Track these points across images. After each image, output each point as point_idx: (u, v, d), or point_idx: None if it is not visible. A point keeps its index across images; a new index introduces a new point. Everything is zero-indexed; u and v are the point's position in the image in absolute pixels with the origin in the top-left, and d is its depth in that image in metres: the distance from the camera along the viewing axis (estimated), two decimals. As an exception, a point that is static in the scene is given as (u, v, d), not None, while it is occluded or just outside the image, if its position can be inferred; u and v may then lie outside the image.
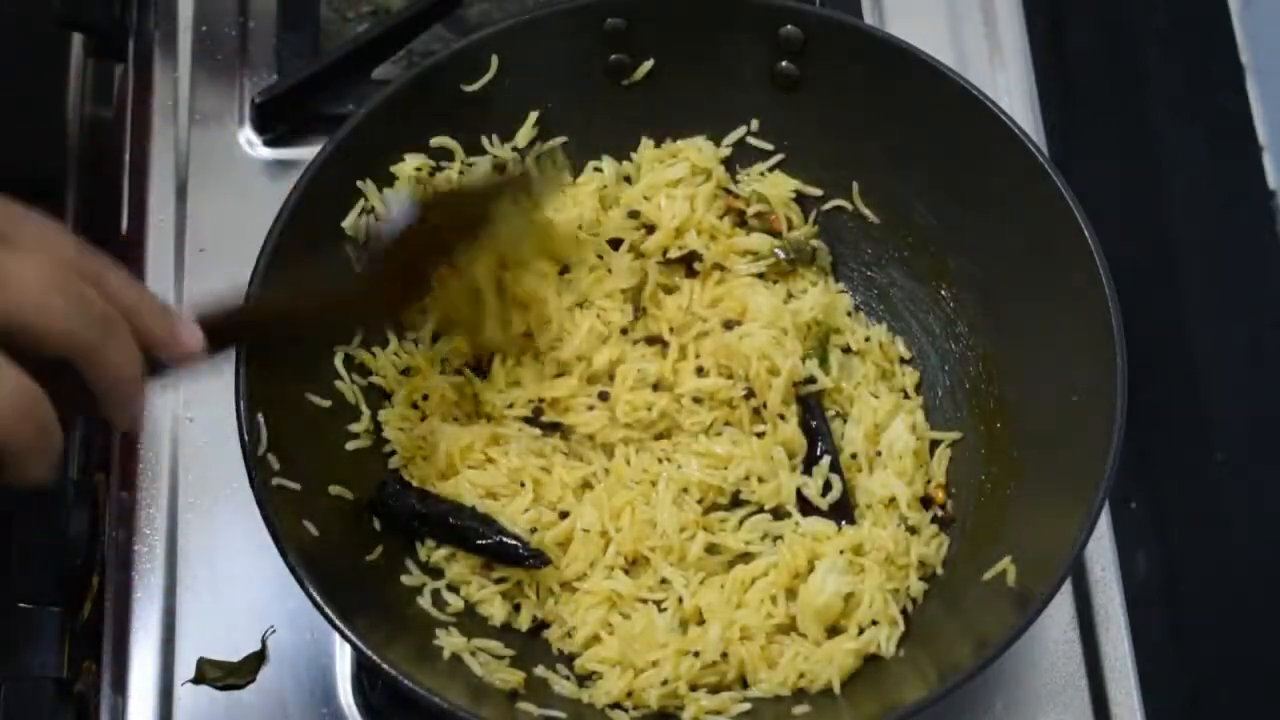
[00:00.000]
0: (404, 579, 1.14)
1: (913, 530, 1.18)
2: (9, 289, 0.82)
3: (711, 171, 1.27)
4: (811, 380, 1.23)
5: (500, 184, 1.22)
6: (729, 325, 1.23)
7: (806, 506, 1.19)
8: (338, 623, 1.03)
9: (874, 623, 1.14)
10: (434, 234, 1.15)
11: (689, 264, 1.26)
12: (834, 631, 1.14)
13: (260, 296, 1.09)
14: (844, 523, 1.18)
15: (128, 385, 0.88)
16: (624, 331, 1.23)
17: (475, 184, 1.22)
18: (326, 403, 1.16)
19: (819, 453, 1.21)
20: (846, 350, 1.27)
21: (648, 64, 1.26)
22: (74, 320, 0.84)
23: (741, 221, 1.29)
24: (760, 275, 1.26)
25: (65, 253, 0.86)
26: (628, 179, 1.29)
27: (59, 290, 0.84)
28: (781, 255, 1.27)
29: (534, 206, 1.20)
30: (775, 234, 1.28)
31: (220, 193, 1.36)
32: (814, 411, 1.22)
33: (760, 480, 1.19)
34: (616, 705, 1.11)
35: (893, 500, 1.18)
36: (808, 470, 1.20)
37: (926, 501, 1.21)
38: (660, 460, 1.19)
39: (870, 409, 1.22)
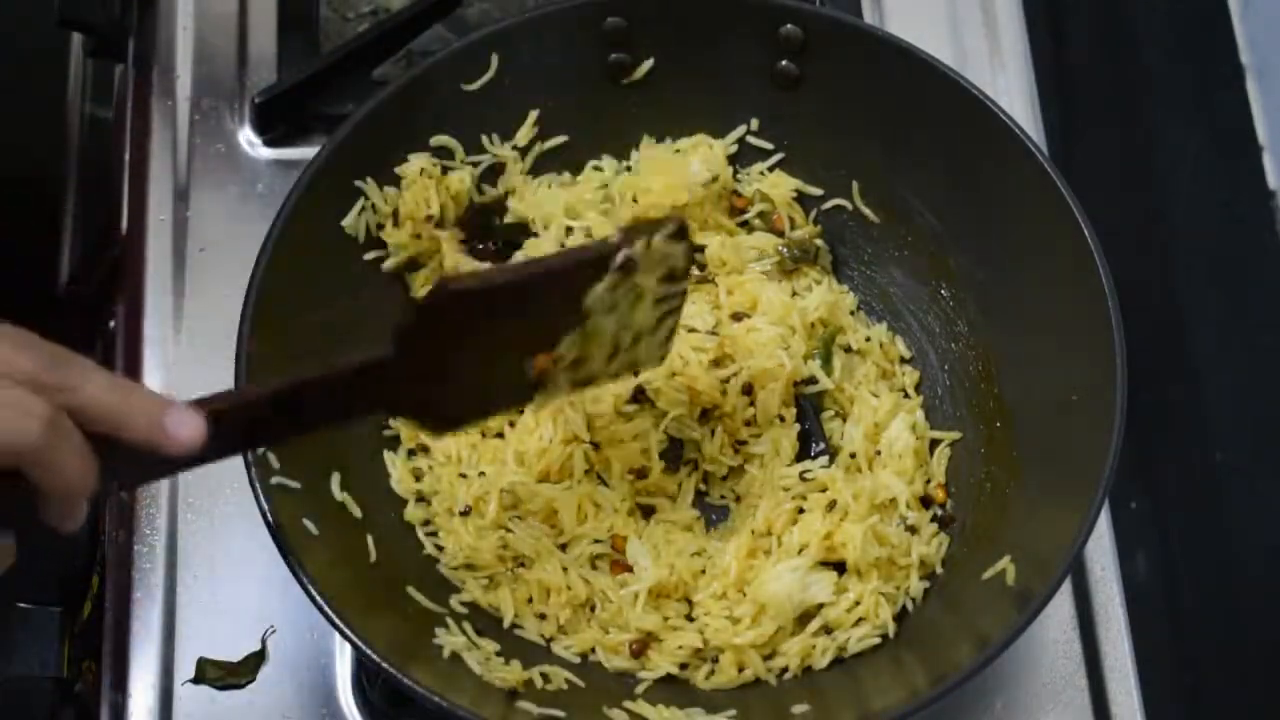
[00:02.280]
0: (404, 578, 1.14)
1: (912, 530, 1.18)
2: None
3: (719, 172, 1.27)
4: (813, 381, 1.23)
5: (591, 259, 1.05)
6: (737, 318, 1.23)
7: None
8: (337, 622, 1.03)
9: (860, 621, 1.15)
10: (504, 324, 1.02)
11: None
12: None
13: (278, 381, 0.97)
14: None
15: (73, 494, 0.86)
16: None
17: (558, 260, 1.09)
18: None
19: (813, 454, 1.21)
20: (847, 350, 1.27)
21: (648, 63, 1.26)
22: (9, 431, 0.82)
23: (743, 221, 1.29)
24: (765, 274, 1.26)
25: (21, 362, 0.84)
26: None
27: (8, 405, 0.82)
28: (785, 254, 1.27)
29: (640, 291, 1.07)
30: (778, 233, 1.28)
31: (220, 193, 1.36)
32: (807, 413, 1.22)
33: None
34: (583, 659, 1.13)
35: (893, 500, 1.18)
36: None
37: (926, 501, 1.21)
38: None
39: (870, 409, 1.22)
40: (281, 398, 0.96)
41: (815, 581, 1.14)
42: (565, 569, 1.16)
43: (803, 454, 1.22)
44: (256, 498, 1.06)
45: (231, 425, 0.92)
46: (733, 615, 1.14)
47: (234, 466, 1.08)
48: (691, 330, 1.21)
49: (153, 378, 1.28)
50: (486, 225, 1.27)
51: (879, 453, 1.21)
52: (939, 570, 1.18)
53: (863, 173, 1.27)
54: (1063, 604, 1.25)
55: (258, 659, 1.20)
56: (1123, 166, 1.71)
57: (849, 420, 1.23)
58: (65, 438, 0.85)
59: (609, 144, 1.29)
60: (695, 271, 1.24)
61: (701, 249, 1.25)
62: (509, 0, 1.44)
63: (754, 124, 1.29)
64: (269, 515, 1.06)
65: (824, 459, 1.22)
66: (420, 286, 1.24)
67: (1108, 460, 1.08)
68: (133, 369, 1.28)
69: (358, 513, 1.14)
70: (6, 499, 0.84)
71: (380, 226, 1.22)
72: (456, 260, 1.24)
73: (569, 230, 1.26)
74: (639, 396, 1.21)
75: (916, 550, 1.17)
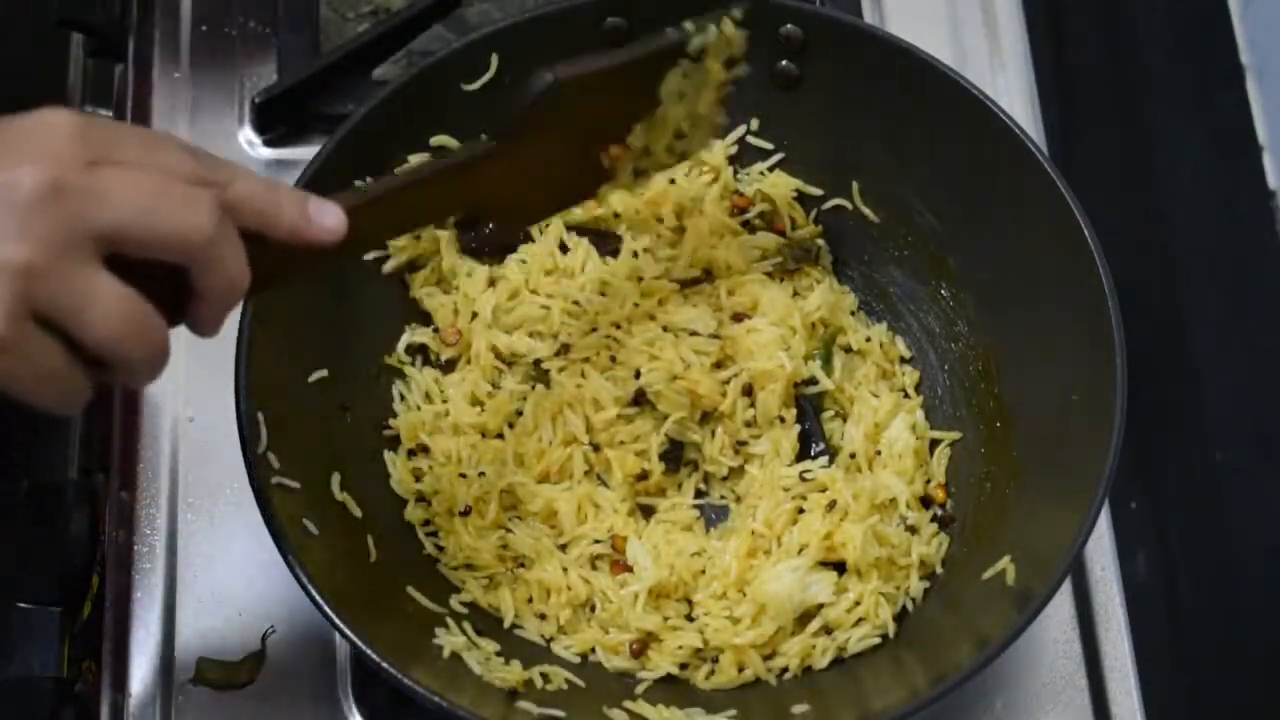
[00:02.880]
0: (404, 578, 1.14)
1: (912, 530, 1.18)
2: (107, 202, 0.82)
3: (720, 171, 1.27)
4: (813, 381, 1.23)
5: (658, 50, 1.12)
6: (737, 318, 1.23)
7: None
8: (337, 622, 1.03)
9: (860, 621, 1.15)
10: (596, 112, 1.09)
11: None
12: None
13: (396, 178, 1.05)
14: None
15: (232, 291, 0.89)
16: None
17: (629, 56, 1.13)
18: (328, 400, 1.16)
19: (813, 454, 1.21)
20: (847, 350, 1.27)
21: (648, 63, 1.26)
22: (180, 224, 0.84)
23: (744, 221, 1.29)
24: (768, 274, 1.26)
25: (175, 165, 0.86)
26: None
27: (160, 196, 0.84)
28: (787, 254, 1.27)
29: (707, 77, 1.14)
30: (779, 233, 1.28)
31: (220, 193, 1.36)
32: (807, 413, 1.22)
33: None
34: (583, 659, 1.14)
35: (893, 500, 1.18)
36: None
37: (926, 501, 1.21)
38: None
39: (870, 409, 1.22)
40: (399, 192, 1.02)
41: (815, 581, 1.14)
42: (565, 569, 1.16)
43: (803, 454, 1.22)
44: (257, 498, 1.06)
45: (360, 220, 0.95)
46: (733, 615, 1.14)
47: (234, 466, 1.08)
48: (693, 334, 1.21)
49: (153, 378, 1.28)
50: (484, 227, 1.27)
51: (879, 453, 1.21)
52: (939, 570, 1.18)
53: (863, 173, 1.27)
54: (1063, 604, 1.25)
55: (258, 659, 1.20)
56: (1123, 166, 1.71)
57: (849, 420, 1.23)
58: (228, 233, 0.88)
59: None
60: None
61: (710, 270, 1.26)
62: (509, 0, 1.44)
63: (754, 124, 1.29)
64: (269, 515, 1.06)
65: (824, 459, 1.22)
66: (420, 286, 1.24)
67: (1108, 460, 1.08)
68: (133, 369, 1.28)
69: (358, 513, 1.14)
70: (161, 294, 0.85)
71: (380, 226, 1.22)
72: (456, 262, 1.24)
73: (566, 232, 1.26)
74: (639, 399, 1.21)
75: (916, 550, 1.17)
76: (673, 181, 1.28)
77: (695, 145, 1.17)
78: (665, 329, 1.22)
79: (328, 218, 0.93)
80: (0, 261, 0.79)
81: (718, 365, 1.21)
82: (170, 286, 0.87)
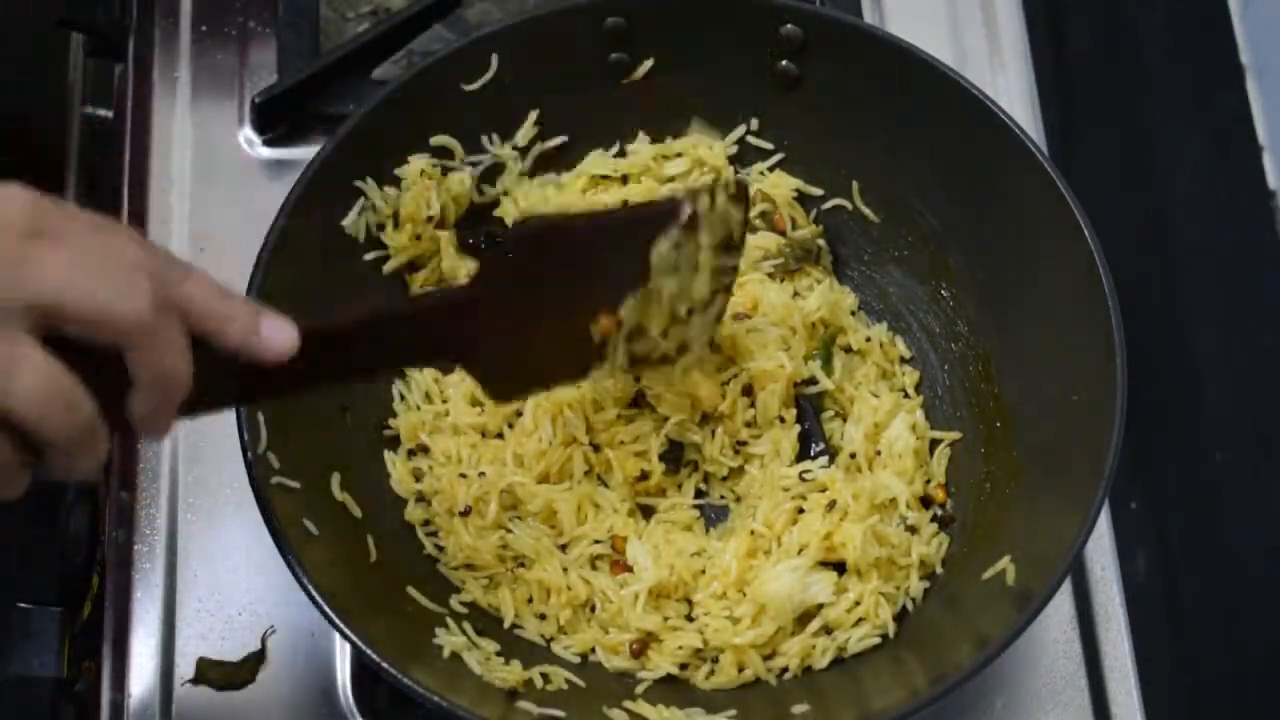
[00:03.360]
0: (404, 578, 1.14)
1: (912, 530, 1.18)
2: (42, 273, 0.81)
3: (720, 171, 1.27)
4: (813, 381, 1.23)
5: (659, 213, 1.07)
6: (738, 318, 1.23)
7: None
8: (337, 622, 1.03)
9: (860, 621, 1.15)
10: (579, 269, 1.02)
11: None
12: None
13: (361, 308, 1.01)
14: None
15: (170, 383, 0.85)
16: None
17: (615, 213, 1.10)
18: (328, 400, 1.16)
19: (813, 454, 1.21)
20: (848, 350, 1.27)
21: (648, 63, 1.26)
22: (117, 301, 0.82)
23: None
24: (769, 274, 1.26)
25: (122, 250, 0.84)
26: (625, 179, 1.29)
27: (99, 273, 0.82)
28: (788, 254, 1.27)
29: (699, 253, 1.08)
30: (780, 233, 1.28)
31: (220, 192, 1.36)
32: (806, 413, 1.22)
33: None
34: (583, 659, 1.14)
35: (893, 500, 1.18)
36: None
37: (926, 501, 1.21)
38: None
39: (870, 409, 1.22)
40: (363, 326, 0.97)
41: (815, 582, 1.14)
42: (565, 569, 1.16)
43: (803, 454, 1.22)
44: (257, 498, 1.06)
45: (312, 349, 0.91)
46: (733, 615, 1.14)
47: (234, 466, 1.08)
48: None
49: (153, 378, 1.28)
50: (486, 227, 1.27)
51: (879, 453, 1.21)
52: (939, 570, 1.18)
53: (863, 173, 1.27)
54: (1063, 604, 1.25)
55: (258, 659, 1.20)
56: (1123, 166, 1.71)
57: (849, 420, 1.23)
58: (170, 321, 0.85)
59: (609, 144, 1.29)
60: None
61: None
62: (509, 0, 1.44)
63: (754, 124, 1.29)
64: (269, 515, 1.06)
65: (824, 459, 1.22)
66: (420, 287, 1.24)
67: (1108, 460, 1.08)
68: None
69: (358, 513, 1.14)
70: (99, 381, 0.83)
71: (380, 227, 1.22)
72: (455, 262, 1.24)
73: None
74: (639, 400, 1.21)
75: (916, 550, 1.17)
76: (672, 179, 1.28)
77: (695, 335, 1.12)
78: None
79: (280, 335, 0.90)
80: None
81: (718, 368, 1.21)
82: (112, 379, 0.84)
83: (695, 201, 1.07)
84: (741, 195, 1.10)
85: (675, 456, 1.21)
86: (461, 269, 1.24)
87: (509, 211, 1.27)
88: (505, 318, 1.02)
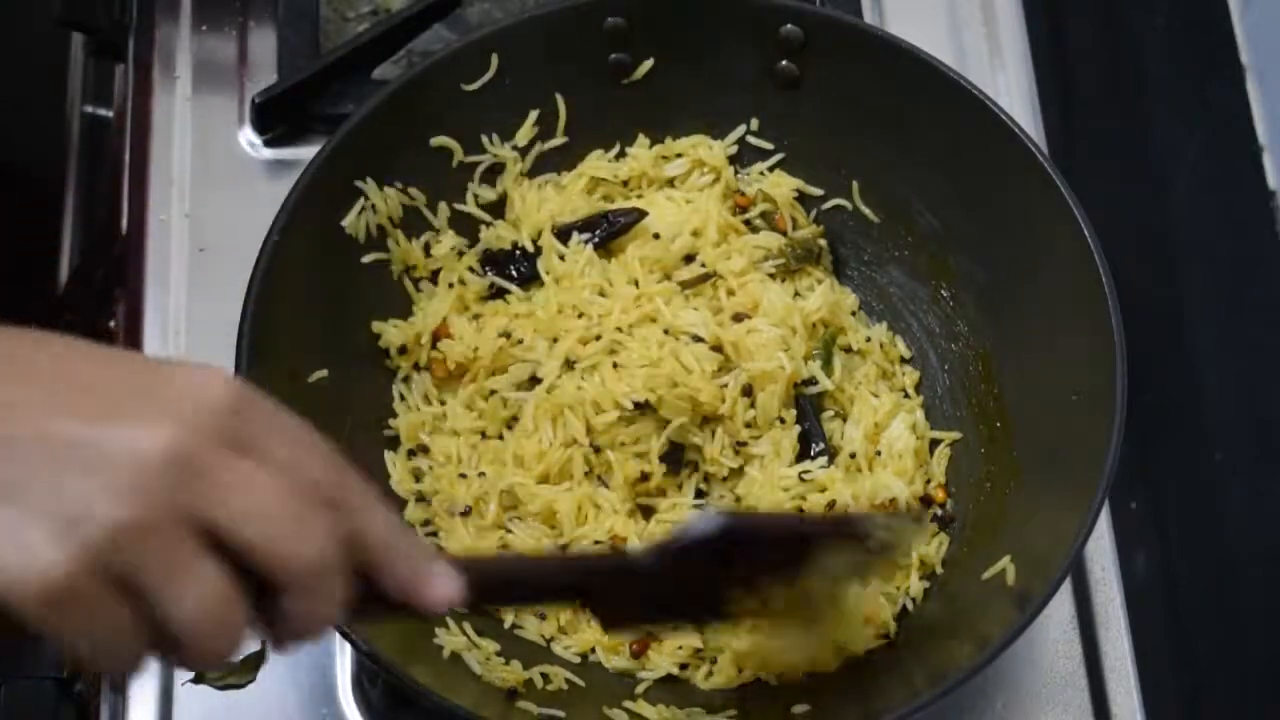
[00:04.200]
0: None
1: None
2: (228, 497, 0.73)
3: (721, 171, 1.27)
4: (813, 382, 1.23)
5: (836, 528, 1.06)
6: (738, 318, 1.23)
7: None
8: (337, 622, 1.03)
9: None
10: (742, 559, 0.98)
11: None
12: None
13: (529, 558, 1.03)
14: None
15: (317, 624, 0.78)
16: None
17: (807, 523, 1.09)
18: (328, 401, 1.16)
19: (813, 454, 1.21)
20: (848, 350, 1.27)
21: (648, 63, 1.26)
22: (295, 545, 0.75)
23: (745, 220, 1.29)
24: (771, 274, 1.26)
25: (313, 471, 0.77)
26: (625, 183, 1.29)
27: (282, 509, 0.75)
28: (789, 254, 1.27)
29: (868, 571, 1.08)
30: (781, 233, 1.28)
31: (220, 193, 1.36)
32: (807, 414, 1.22)
33: None
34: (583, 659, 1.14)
35: (893, 500, 1.18)
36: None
37: (926, 501, 1.21)
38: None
39: (871, 409, 1.22)
40: (526, 571, 0.94)
41: None
42: (565, 569, 1.16)
43: (803, 454, 1.22)
44: (256, 498, 1.06)
45: (476, 590, 0.86)
46: None
47: (234, 466, 1.08)
48: (697, 340, 1.20)
49: (153, 378, 1.28)
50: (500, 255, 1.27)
51: (879, 453, 1.21)
52: (939, 570, 1.18)
53: (863, 173, 1.27)
54: (1063, 604, 1.25)
55: (258, 659, 1.20)
56: (1123, 166, 1.71)
57: (849, 420, 1.23)
58: (338, 567, 0.77)
59: (609, 144, 1.29)
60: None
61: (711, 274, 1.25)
62: (509, 0, 1.44)
63: (754, 124, 1.29)
64: (269, 515, 1.06)
65: (824, 459, 1.22)
66: (419, 290, 1.24)
67: (1108, 460, 1.08)
68: (133, 369, 1.28)
69: (358, 513, 1.14)
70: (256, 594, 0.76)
71: (380, 228, 1.22)
72: (456, 266, 1.24)
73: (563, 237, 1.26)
74: (639, 401, 1.21)
75: (916, 550, 1.17)
76: (671, 183, 1.28)
77: (816, 619, 1.10)
78: (666, 332, 1.21)
79: (446, 588, 0.82)
80: (98, 513, 0.70)
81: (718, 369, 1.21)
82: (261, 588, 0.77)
83: (883, 527, 1.04)
84: (916, 519, 1.12)
85: (675, 457, 1.20)
86: (470, 292, 1.24)
87: (510, 223, 1.26)
88: (656, 589, 0.97)
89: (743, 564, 0.99)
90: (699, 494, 1.22)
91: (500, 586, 0.92)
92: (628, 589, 0.96)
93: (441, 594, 0.82)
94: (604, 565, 0.99)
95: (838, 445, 1.22)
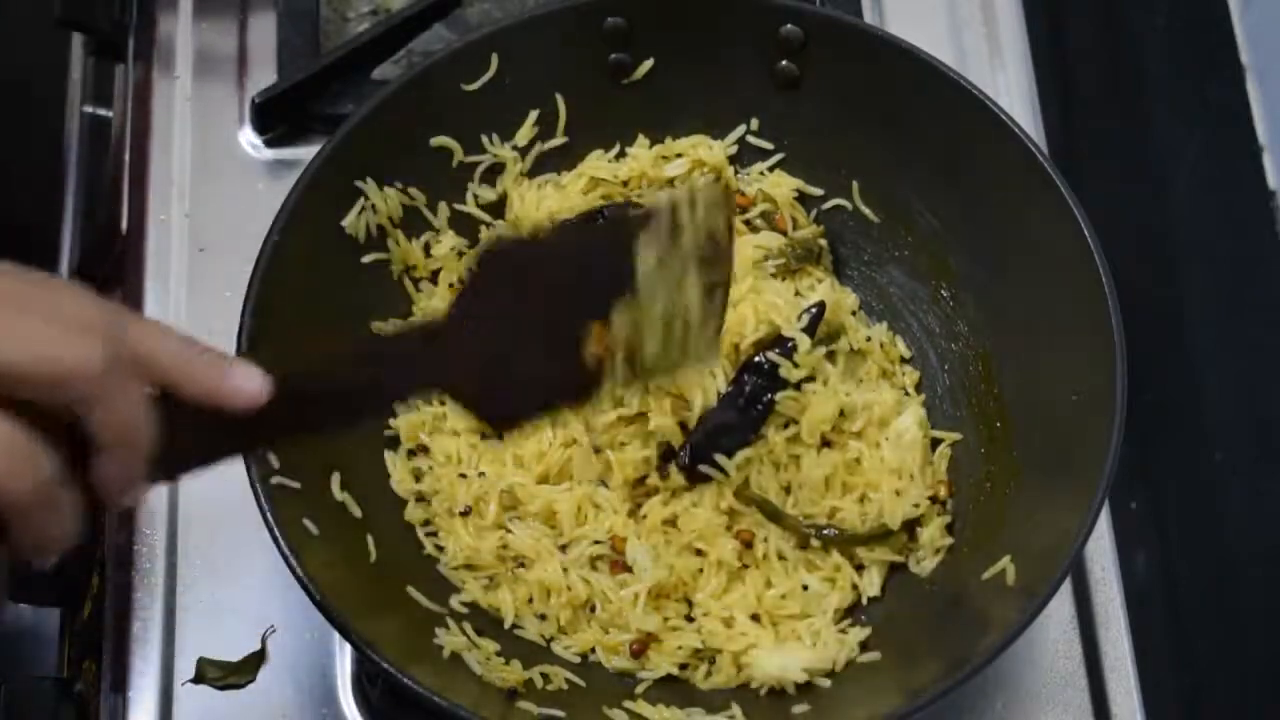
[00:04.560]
0: (404, 578, 1.14)
1: (917, 524, 1.18)
2: (9, 339, 0.78)
3: (721, 171, 1.27)
4: (787, 351, 1.21)
5: (633, 222, 1.02)
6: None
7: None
8: (337, 622, 1.03)
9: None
10: (559, 281, 0.98)
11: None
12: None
13: (325, 343, 0.98)
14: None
15: (131, 438, 0.81)
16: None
17: (601, 225, 1.05)
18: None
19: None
20: (850, 351, 1.26)
21: (648, 63, 1.26)
22: (64, 356, 0.79)
23: (745, 220, 1.29)
24: (771, 274, 1.26)
25: (70, 309, 0.80)
26: (625, 183, 1.29)
27: (45, 331, 0.79)
28: (790, 254, 1.27)
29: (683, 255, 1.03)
30: (781, 232, 1.28)
31: (220, 193, 1.37)
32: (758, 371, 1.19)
33: None
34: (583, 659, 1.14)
35: (898, 493, 1.18)
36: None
37: (932, 499, 1.21)
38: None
39: (876, 401, 1.22)
40: (334, 364, 0.93)
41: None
42: (565, 569, 1.16)
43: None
44: (256, 498, 1.06)
45: (286, 396, 0.87)
46: (729, 618, 1.14)
47: (234, 466, 1.08)
48: None
49: (153, 378, 1.28)
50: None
51: (880, 449, 1.21)
52: (939, 570, 1.18)
53: (863, 173, 1.27)
54: (1063, 604, 1.25)
55: (258, 659, 1.20)
56: (1123, 166, 1.71)
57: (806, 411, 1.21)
58: (124, 375, 0.81)
59: (609, 144, 1.29)
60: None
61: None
62: (509, 0, 1.44)
63: (754, 124, 1.29)
64: (269, 515, 1.06)
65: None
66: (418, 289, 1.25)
67: (1108, 460, 1.08)
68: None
69: (358, 513, 1.14)
70: (64, 450, 0.79)
71: (380, 228, 1.22)
72: (457, 267, 1.24)
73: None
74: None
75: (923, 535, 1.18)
76: (672, 183, 1.28)
77: (693, 351, 1.06)
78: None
79: (248, 384, 0.85)
80: None
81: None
82: (77, 449, 0.80)
83: (676, 207, 1.03)
84: (725, 199, 1.06)
85: (674, 457, 1.20)
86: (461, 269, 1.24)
87: (510, 222, 1.26)
88: (485, 342, 0.97)
89: (555, 293, 0.97)
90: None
91: (323, 385, 0.90)
92: (478, 361, 0.94)
93: (244, 386, 0.85)
94: (404, 331, 0.97)
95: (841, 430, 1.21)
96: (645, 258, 1.02)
